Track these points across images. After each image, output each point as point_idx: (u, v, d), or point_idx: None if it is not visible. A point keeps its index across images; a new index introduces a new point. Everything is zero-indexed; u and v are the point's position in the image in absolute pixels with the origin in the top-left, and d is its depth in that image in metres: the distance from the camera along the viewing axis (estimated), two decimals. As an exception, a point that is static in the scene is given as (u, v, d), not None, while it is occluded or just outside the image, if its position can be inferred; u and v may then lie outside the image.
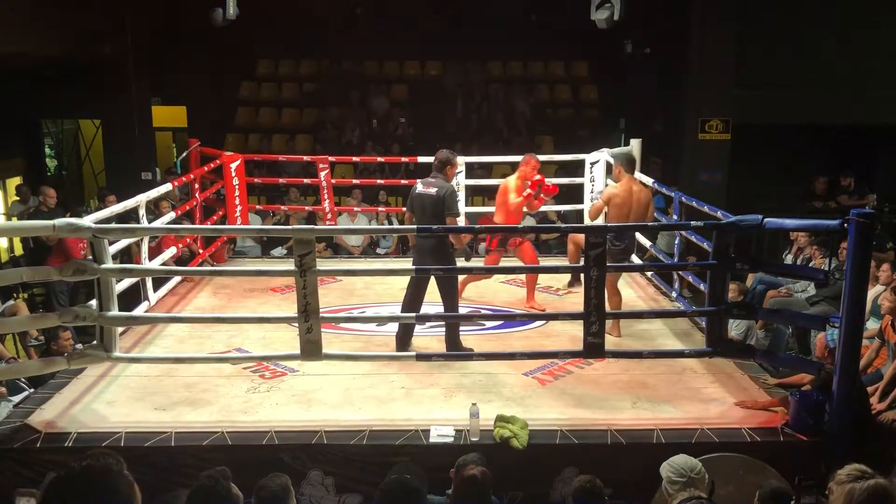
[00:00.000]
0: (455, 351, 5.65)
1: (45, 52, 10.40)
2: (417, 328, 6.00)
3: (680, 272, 7.14)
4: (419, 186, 5.82)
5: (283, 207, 9.86)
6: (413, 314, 5.65)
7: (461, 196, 8.45)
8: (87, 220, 4.88)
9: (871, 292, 6.37)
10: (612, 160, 8.20)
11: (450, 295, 5.73)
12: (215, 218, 8.34)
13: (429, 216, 5.67)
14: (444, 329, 6.17)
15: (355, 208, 9.93)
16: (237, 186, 8.38)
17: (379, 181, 10.39)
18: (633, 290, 7.52)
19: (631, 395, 5.20)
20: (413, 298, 5.83)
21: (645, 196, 6.21)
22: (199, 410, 4.94)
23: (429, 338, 6.04)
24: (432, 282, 5.83)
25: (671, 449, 3.86)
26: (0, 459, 4.45)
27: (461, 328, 6.38)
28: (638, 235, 8.12)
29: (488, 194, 11.15)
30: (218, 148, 9.53)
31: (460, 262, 6.09)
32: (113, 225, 5.49)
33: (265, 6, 12.33)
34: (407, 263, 6.33)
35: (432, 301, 5.92)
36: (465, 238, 9.59)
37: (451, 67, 14.55)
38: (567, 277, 7.62)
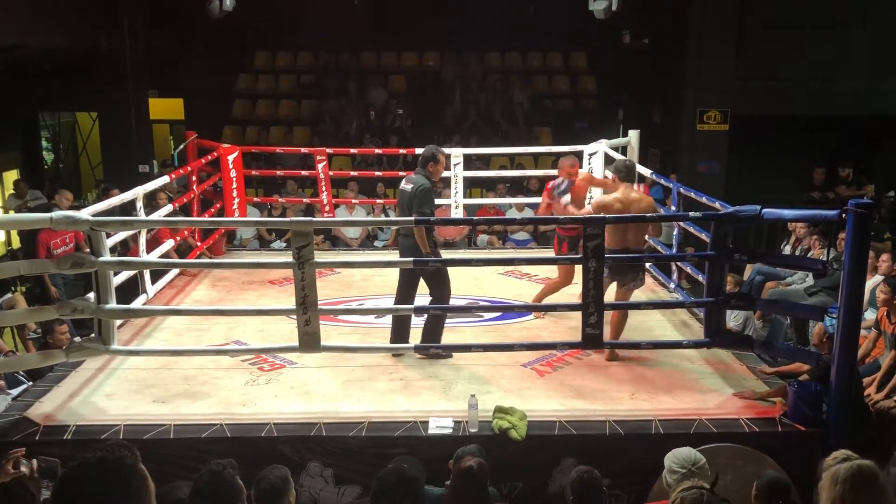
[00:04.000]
0: (432, 343, 5.55)
1: (42, 45, 10.37)
2: (414, 320, 5.96)
3: (678, 263, 7.14)
4: (403, 181, 5.79)
5: (280, 200, 9.85)
6: (411, 306, 5.64)
7: (458, 188, 8.45)
8: (85, 213, 4.87)
9: (870, 282, 6.38)
10: (610, 152, 8.20)
11: (438, 290, 5.59)
12: (213, 210, 8.33)
13: (405, 213, 5.55)
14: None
15: (353, 200, 9.92)
16: (234, 179, 8.36)
17: (377, 173, 10.38)
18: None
19: (629, 386, 5.21)
20: (404, 294, 5.75)
21: (646, 205, 5.58)
22: (198, 403, 4.94)
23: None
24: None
25: (670, 439, 3.88)
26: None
27: (460, 320, 6.42)
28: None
29: (486, 186, 11.16)
30: (215, 140, 9.51)
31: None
32: (110, 217, 5.48)
33: (262, -3, 12.31)
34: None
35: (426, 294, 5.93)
36: (454, 232, 9.63)
37: (449, 59, 14.52)
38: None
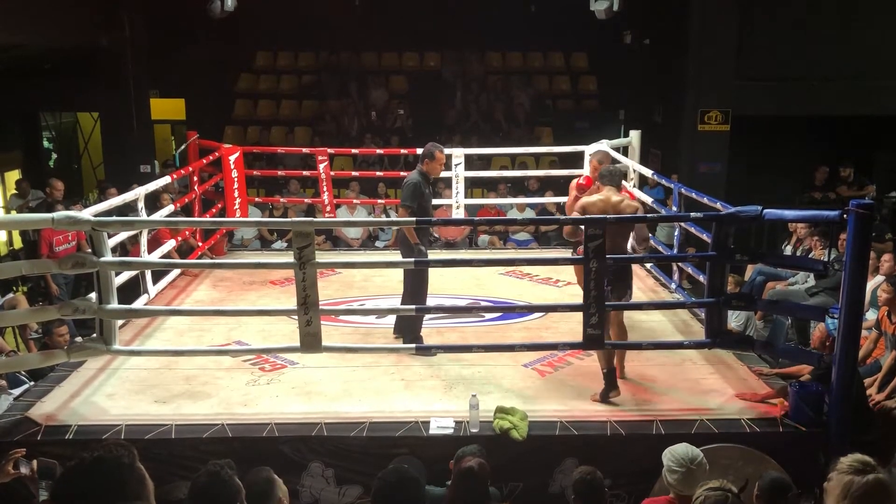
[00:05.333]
0: (413, 342, 5.66)
1: (43, 45, 10.39)
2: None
3: (679, 263, 7.14)
4: None
5: (281, 200, 9.86)
6: (412, 306, 5.66)
7: (459, 188, 8.47)
8: (86, 213, 4.88)
9: (871, 283, 6.38)
10: (611, 152, 8.20)
11: (411, 287, 5.80)
12: (214, 211, 8.33)
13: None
14: (445, 320, 6.20)
15: (354, 200, 9.92)
16: (236, 179, 8.36)
17: (378, 173, 10.39)
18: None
19: (630, 387, 5.20)
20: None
21: (625, 206, 5.14)
22: (200, 403, 4.95)
23: (427, 329, 6.04)
24: (435, 273, 5.95)
25: (671, 440, 3.87)
26: (0, 452, 4.46)
27: (462, 320, 6.43)
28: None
29: (488, 186, 11.16)
30: (216, 140, 9.51)
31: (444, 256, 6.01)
32: (112, 218, 5.48)
33: (263, -3, 12.31)
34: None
35: (434, 294, 5.98)
36: (455, 233, 9.67)
37: (450, 59, 14.52)
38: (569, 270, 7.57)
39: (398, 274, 6.91)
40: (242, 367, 5.48)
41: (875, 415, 5.25)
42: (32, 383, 5.43)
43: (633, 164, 7.99)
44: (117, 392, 5.11)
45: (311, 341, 4.69)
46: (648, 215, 5.42)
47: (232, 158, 8.31)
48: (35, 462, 3.27)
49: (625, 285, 5.20)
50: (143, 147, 12.18)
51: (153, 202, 8.09)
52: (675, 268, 7.25)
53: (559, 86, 14.55)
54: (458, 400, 4.90)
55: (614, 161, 8.17)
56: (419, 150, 8.77)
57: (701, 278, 6.17)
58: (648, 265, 7.83)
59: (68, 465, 2.05)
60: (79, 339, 5.89)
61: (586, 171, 8.18)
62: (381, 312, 6.45)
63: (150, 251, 6.61)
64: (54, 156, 14.95)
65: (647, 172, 7.81)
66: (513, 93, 13.92)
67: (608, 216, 5.02)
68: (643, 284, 7.53)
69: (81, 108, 14.31)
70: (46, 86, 12.01)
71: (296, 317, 4.71)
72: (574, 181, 6.44)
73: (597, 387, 5.19)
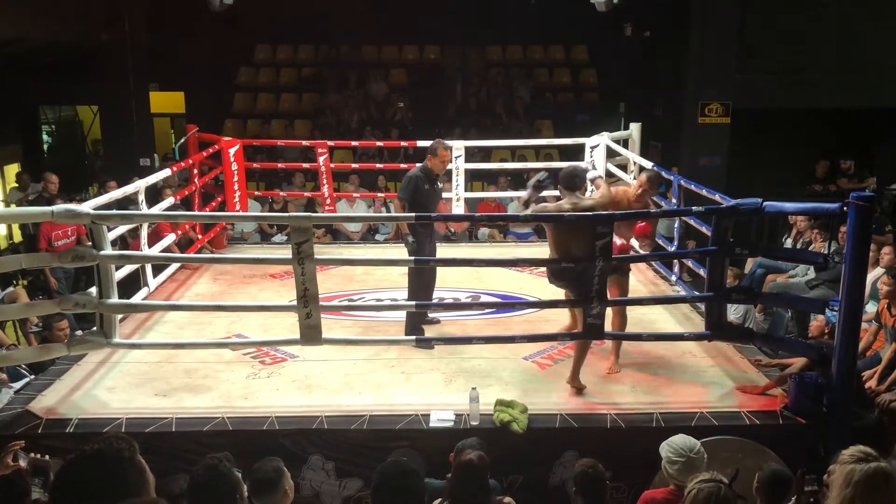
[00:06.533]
0: (413, 335, 5.69)
1: (42, 39, 10.35)
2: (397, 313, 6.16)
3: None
4: None
5: (281, 193, 9.84)
6: (412, 302, 5.67)
7: (460, 181, 8.47)
8: (86, 207, 4.87)
9: (871, 275, 6.38)
10: (612, 145, 8.19)
11: (413, 282, 5.86)
12: (214, 204, 8.32)
13: None
14: (445, 313, 6.21)
15: (354, 194, 9.90)
16: (236, 172, 8.35)
17: (378, 166, 10.37)
18: (632, 275, 7.49)
19: (630, 379, 5.21)
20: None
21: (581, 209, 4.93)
22: (200, 396, 4.96)
23: (427, 324, 6.04)
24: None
25: (671, 432, 3.88)
26: (1, 446, 4.46)
27: (462, 313, 6.44)
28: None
29: (488, 179, 11.14)
30: (216, 133, 9.48)
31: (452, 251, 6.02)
32: (112, 211, 5.47)
33: (263, -9, 12.26)
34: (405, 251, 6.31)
35: (443, 287, 6.09)
36: (455, 226, 9.69)
37: (450, 52, 14.49)
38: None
39: (399, 268, 6.92)
40: (243, 361, 5.49)
41: (871, 401, 5.26)
42: (33, 377, 5.43)
43: (633, 157, 7.97)
44: (118, 385, 5.12)
45: (311, 334, 4.70)
46: (651, 210, 5.41)
47: (232, 151, 8.30)
48: (30, 458, 3.27)
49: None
50: (143, 140, 12.15)
51: (154, 196, 8.08)
52: (675, 261, 7.24)
53: (559, 79, 14.52)
54: (459, 393, 4.91)
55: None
56: (419, 143, 8.80)
57: (701, 271, 6.17)
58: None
59: (68, 459, 2.05)
60: (79, 332, 5.89)
61: (587, 161, 8.19)
62: (379, 308, 6.45)
63: (150, 245, 6.60)
64: (51, 148, 14.93)
65: (648, 165, 7.79)
66: (513, 86, 13.89)
67: (615, 213, 4.99)
68: (643, 277, 7.54)
69: (81, 102, 14.28)
70: (46, 79, 11.98)
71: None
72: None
73: (597, 379, 5.20)
